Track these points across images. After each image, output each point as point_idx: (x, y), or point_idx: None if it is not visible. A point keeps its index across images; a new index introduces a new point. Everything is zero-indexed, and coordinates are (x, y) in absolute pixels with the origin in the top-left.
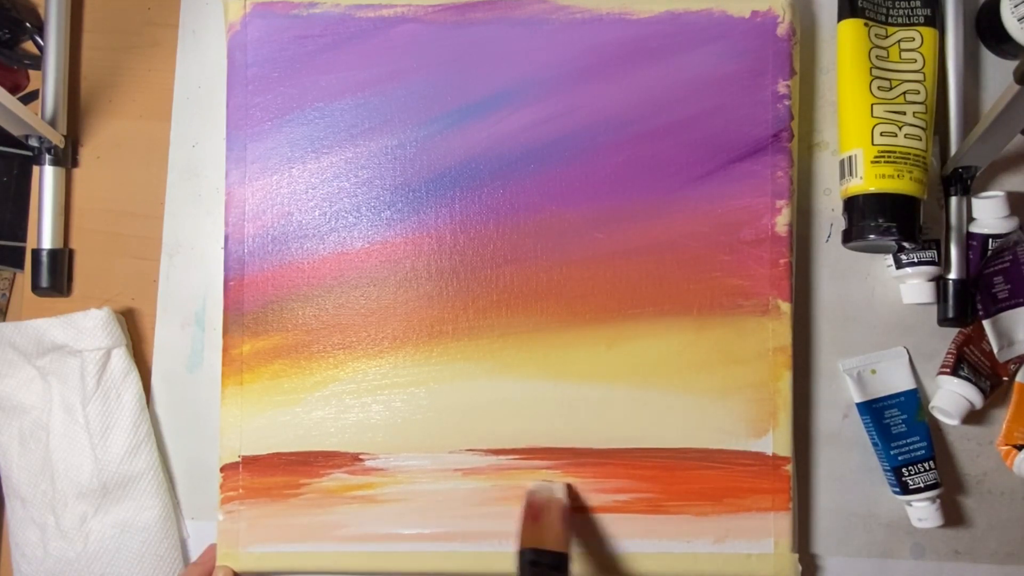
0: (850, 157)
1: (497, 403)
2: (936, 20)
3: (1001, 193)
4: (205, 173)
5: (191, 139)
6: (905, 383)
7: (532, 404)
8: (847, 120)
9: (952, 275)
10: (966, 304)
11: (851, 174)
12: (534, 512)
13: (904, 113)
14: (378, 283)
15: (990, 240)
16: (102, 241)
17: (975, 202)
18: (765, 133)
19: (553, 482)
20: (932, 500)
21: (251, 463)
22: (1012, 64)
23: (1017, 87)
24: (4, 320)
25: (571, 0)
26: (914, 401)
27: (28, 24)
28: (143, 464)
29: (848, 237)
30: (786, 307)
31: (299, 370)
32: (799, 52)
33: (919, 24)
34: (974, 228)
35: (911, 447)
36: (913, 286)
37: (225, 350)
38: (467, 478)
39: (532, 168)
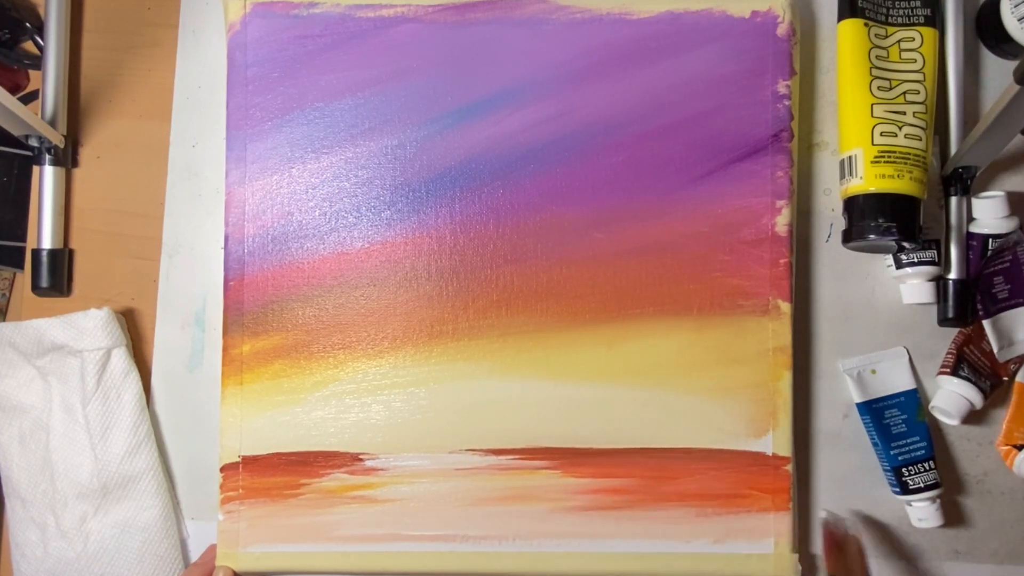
0: (850, 157)
1: (497, 403)
2: (936, 20)
3: (1001, 193)
4: (205, 173)
5: (191, 139)
6: (905, 383)
7: (532, 404)
8: (847, 120)
9: (952, 275)
10: (966, 304)
11: (851, 174)
12: (837, 543)
13: (904, 113)
14: (378, 283)
15: (990, 240)
16: (102, 241)
17: (975, 202)
18: (765, 133)
19: (843, 519)
20: (932, 500)
21: (251, 463)
22: (1012, 64)
23: (1017, 87)
24: (4, 320)
25: (571, 0)
26: (914, 401)
27: (28, 24)
28: (143, 464)
29: (848, 237)
30: (786, 307)
31: (299, 370)
32: (799, 52)
33: (919, 24)
34: (974, 228)
35: (911, 447)
36: (913, 286)
37: (225, 350)
38: (467, 478)
39: (532, 168)
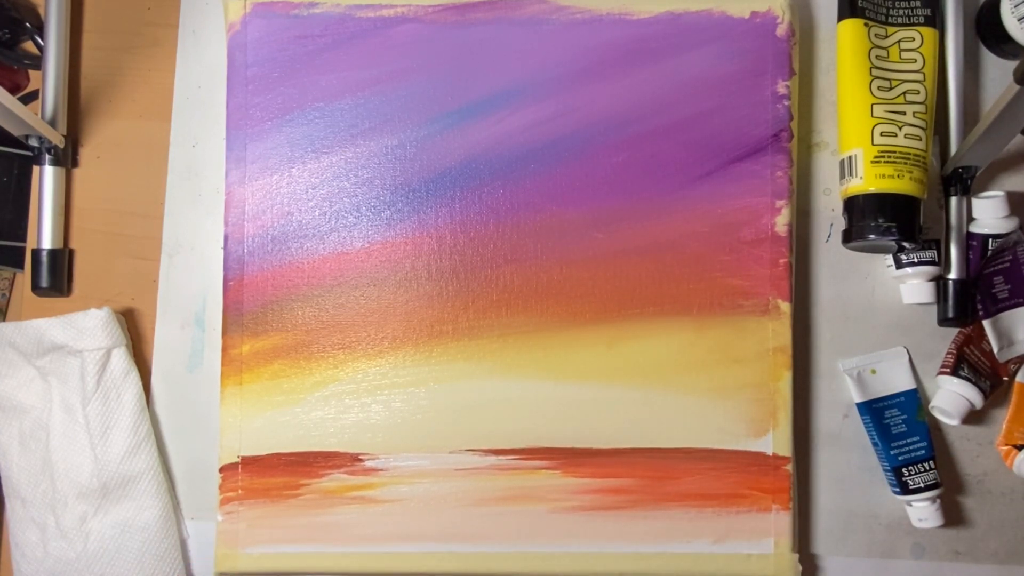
0: (850, 157)
1: (497, 403)
2: (936, 20)
3: (1001, 193)
4: (205, 173)
5: (191, 139)
6: (905, 383)
7: (532, 404)
8: (847, 120)
9: (952, 275)
10: (966, 304)
11: (851, 174)
12: None
13: (904, 113)
14: (378, 283)
15: (990, 240)
16: (102, 241)
17: (975, 202)
18: (765, 133)
19: None
20: (932, 500)
21: (251, 463)
22: (1012, 64)
23: (1017, 87)
24: (4, 320)
25: (571, 0)
26: (914, 401)
27: (28, 24)
28: (143, 464)
29: (848, 237)
30: (786, 307)
31: (299, 370)
32: (799, 52)
33: (919, 24)
34: (974, 228)
35: (911, 447)
36: (913, 286)
37: (225, 350)
38: (467, 478)
39: (532, 168)
